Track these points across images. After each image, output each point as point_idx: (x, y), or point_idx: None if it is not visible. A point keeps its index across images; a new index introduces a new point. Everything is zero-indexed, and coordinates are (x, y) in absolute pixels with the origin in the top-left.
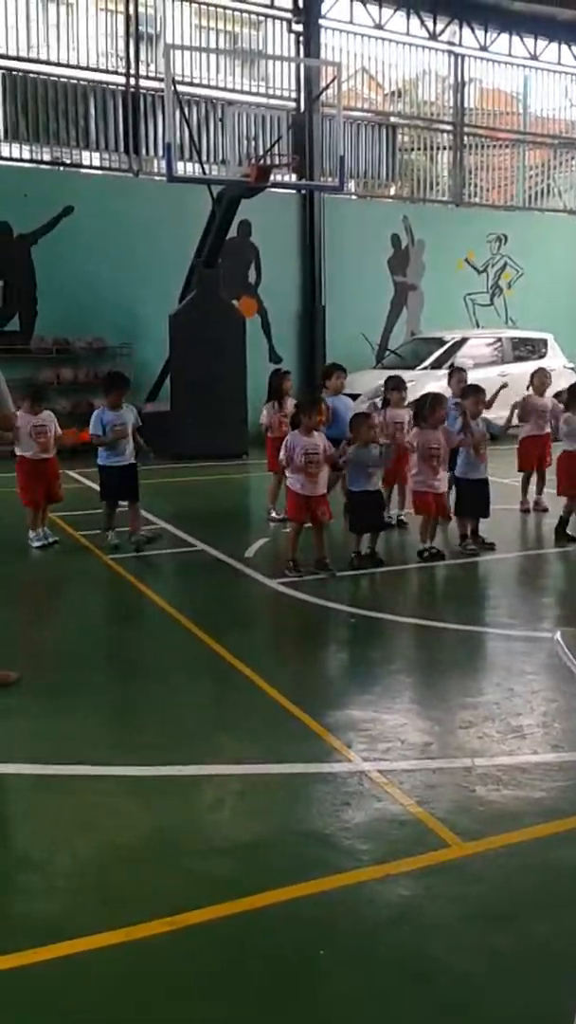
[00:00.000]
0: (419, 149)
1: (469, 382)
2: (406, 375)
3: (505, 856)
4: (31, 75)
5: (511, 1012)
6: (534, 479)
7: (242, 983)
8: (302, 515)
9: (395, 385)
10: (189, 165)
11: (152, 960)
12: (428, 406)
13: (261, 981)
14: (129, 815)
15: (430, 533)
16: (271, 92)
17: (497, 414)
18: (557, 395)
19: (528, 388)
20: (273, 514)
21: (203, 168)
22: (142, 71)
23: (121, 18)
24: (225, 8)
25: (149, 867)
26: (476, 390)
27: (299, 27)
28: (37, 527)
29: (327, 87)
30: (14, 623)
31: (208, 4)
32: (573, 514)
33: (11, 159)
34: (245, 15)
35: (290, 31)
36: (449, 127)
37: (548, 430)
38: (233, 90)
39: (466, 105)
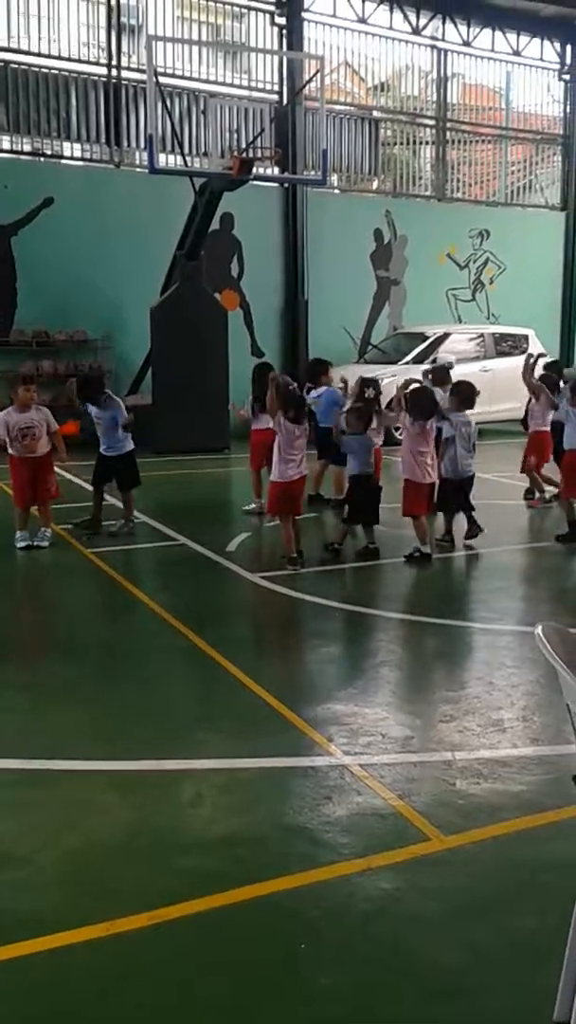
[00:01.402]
0: (402, 143)
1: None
2: (388, 370)
3: (485, 850)
4: (12, 65)
5: (492, 1006)
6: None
7: (223, 976)
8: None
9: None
10: (171, 157)
11: (134, 954)
12: (429, 402)
13: (242, 974)
14: (111, 810)
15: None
16: (254, 85)
17: (481, 409)
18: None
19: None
20: (253, 506)
21: (185, 160)
22: (124, 62)
23: (103, 9)
24: (208, 0)
25: (131, 861)
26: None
27: (282, 20)
28: (25, 527)
29: (310, 80)
30: None
31: None
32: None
33: None
34: (228, 7)
35: (273, 24)
36: (432, 122)
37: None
38: (216, 82)
39: (449, 100)
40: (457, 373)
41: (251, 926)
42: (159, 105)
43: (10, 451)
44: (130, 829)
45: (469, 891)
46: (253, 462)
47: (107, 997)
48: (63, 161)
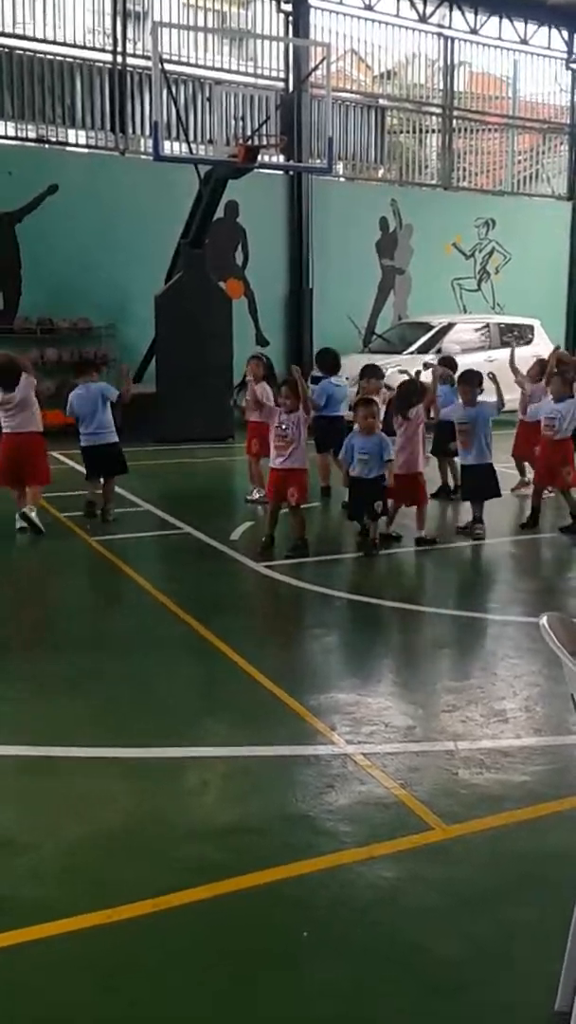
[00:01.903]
0: (408, 132)
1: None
2: (392, 359)
3: (487, 840)
4: (17, 52)
5: (492, 996)
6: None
7: (225, 965)
8: (272, 494)
9: (372, 374)
10: (176, 144)
11: (136, 942)
12: (414, 394)
13: (245, 962)
14: (114, 798)
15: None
16: (259, 72)
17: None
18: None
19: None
20: (256, 495)
21: (190, 148)
22: (129, 49)
23: None
24: None
25: (133, 849)
26: (468, 377)
27: (288, 7)
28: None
29: (316, 68)
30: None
31: None
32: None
33: None
34: None
35: (279, 11)
36: (438, 110)
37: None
38: (221, 69)
39: (455, 88)
40: (461, 363)
41: (253, 915)
42: (164, 92)
43: (34, 428)
44: (133, 817)
45: (470, 881)
46: (252, 450)
47: (108, 986)
48: (68, 148)
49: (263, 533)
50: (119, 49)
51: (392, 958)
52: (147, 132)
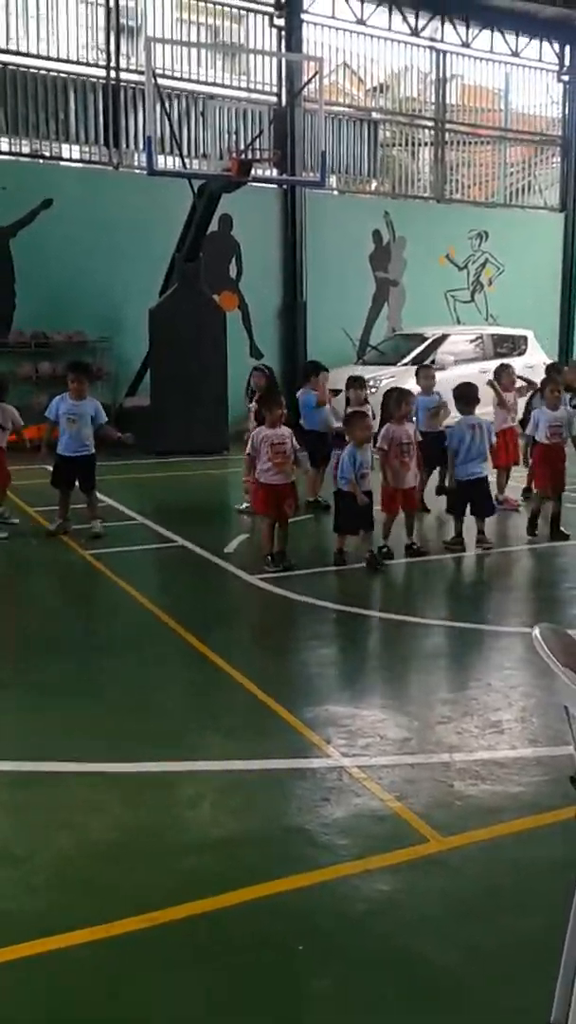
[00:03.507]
0: (400, 145)
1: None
2: (387, 371)
3: (483, 851)
4: (11, 67)
5: (490, 1007)
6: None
7: (222, 978)
8: (271, 508)
9: (356, 385)
10: (170, 159)
11: (133, 955)
12: (394, 401)
13: (241, 976)
14: (109, 811)
15: (407, 530)
16: (252, 86)
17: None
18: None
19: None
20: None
21: (184, 162)
22: (123, 64)
23: (102, 10)
24: (207, 1)
25: (130, 863)
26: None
27: (281, 21)
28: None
29: (309, 82)
30: None
31: None
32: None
33: None
34: (227, 8)
35: (272, 25)
36: (431, 123)
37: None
38: (214, 84)
39: (448, 101)
40: (456, 374)
41: (249, 928)
42: (158, 107)
43: None
44: (128, 830)
45: (466, 892)
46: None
47: (104, 999)
48: (62, 163)
49: (267, 551)
50: (113, 64)
51: (389, 969)
52: (141, 146)
